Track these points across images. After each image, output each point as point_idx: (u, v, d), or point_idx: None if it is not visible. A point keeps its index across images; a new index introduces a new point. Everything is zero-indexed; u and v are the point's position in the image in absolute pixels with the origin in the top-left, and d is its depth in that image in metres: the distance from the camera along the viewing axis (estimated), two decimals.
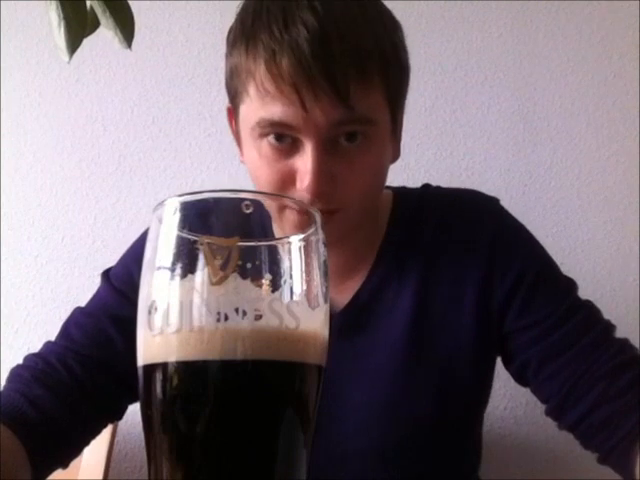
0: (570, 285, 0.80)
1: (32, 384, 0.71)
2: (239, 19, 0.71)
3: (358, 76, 0.65)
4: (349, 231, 0.75)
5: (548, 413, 0.76)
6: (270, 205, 0.63)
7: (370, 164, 0.71)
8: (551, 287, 0.78)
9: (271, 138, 0.68)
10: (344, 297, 0.80)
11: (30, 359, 0.76)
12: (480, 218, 0.82)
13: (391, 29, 0.71)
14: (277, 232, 0.72)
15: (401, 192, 0.86)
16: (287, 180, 0.69)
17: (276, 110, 0.66)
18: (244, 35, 0.68)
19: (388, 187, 0.88)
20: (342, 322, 0.78)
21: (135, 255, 0.83)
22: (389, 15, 0.73)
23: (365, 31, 0.67)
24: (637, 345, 0.75)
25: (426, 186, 0.87)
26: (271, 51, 0.65)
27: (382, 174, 0.75)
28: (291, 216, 0.67)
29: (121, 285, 0.81)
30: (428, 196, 0.85)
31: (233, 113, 0.75)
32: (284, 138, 0.68)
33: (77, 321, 0.80)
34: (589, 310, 0.77)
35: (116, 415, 0.80)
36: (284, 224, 0.69)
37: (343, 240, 0.77)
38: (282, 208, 0.67)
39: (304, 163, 0.67)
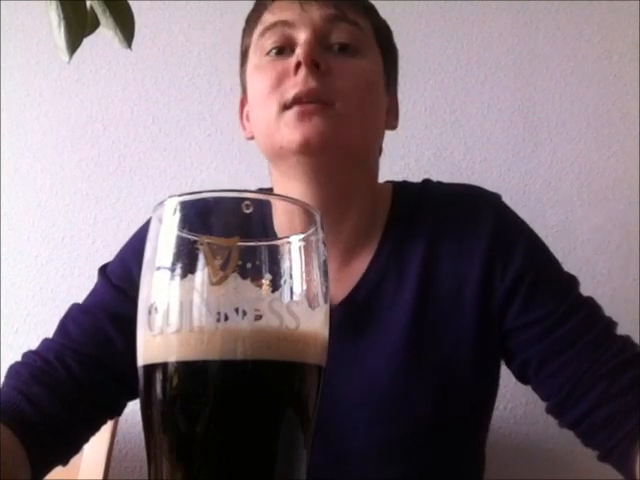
0: (571, 282, 0.80)
1: (30, 382, 0.71)
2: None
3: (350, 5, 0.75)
4: (344, 135, 0.75)
5: (549, 411, 0.76)
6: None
7: (362, 69, 0.76)
8: (552, 284, 0.78)
9: (272, 54, 0.75)
10: (341, 291, 0.79)
11: (28, 356, 0.76)
12: (481, 214, 0.81)
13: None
14: (278, 232, 0.72)
15: (401, 186, 0.86)
16: (282, 76, 0.73)
17: (275, 15, 0.75)
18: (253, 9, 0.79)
19: (389, 181, 0.88)
20: (341, 317, 0.78)
21: (133, 251, 0.82)
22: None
23: None
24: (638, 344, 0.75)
25: (427, 181, 0.87)
26: None
27: (374, 90, 0.78)
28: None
29: (119, 282, 0.80)
30: (429, 191, 0.85)
31: (244, 96, 0.82)
32: (284, 50, 0.75)
33: (75, 318, 0.79)
34: (591, 308, 0.77)
35: (114, 412, 0.80)
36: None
37: (332, 236, 0.77)
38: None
39: (300, 51, 0.72)
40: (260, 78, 0.75)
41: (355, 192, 0.79)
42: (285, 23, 0.74)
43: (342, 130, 0.73)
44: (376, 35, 0.79)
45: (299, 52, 0.72)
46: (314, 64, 0.72)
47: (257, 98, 0.76)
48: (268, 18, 0.76)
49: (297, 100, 0.71)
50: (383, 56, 0.80)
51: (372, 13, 0.80)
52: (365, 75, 0.76)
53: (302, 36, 0.73)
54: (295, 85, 0.71)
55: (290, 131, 0.71)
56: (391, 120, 0.84)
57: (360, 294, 0.79)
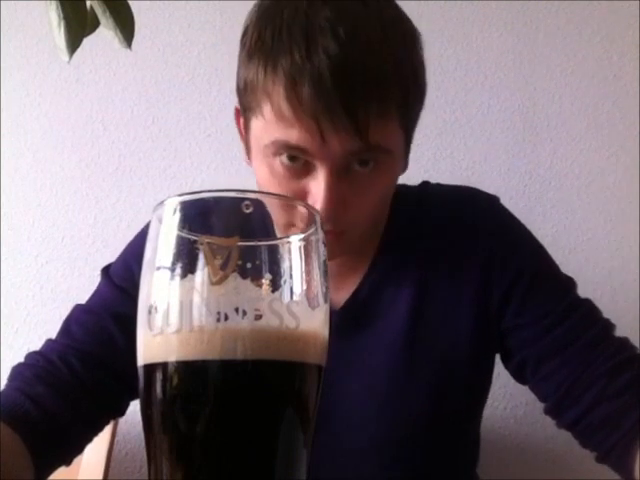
0: (569, 284, 0.80)
1: (33, 382, 0.71)
2: (256, 29, 0.67)
3: (378, 110, 0.64)
4: (352, 248, 0.76)
5: (547, 412, 0.76)
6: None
7: (380, 189, 0.72)
8: (550, 285, 0.78)
9: (284, 158, 0.67)
10: (342, 295, 0.80)
11: (32, 357, 0.76)
12: (479, 216, 0.82)
13: (411, 46, 0.70)
14: (278, 232, 0.72)
15: (400, 190, 0.86)
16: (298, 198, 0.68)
17: (293, 135, 0.65)
18: (263, 53, 0.66)
19: None
20: (340, 320, 0.78)
21: (135, 251, 0.83)
22: (410, 29, 0.71)
23: (387, 57, 0.65)
24: (637, 344, 0.75)
25: (425, 183, 0.87)
26: (291, 78, 0.63)
27: (390, 195, 0.76)
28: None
29: (121, 282, 0.81)
30: (427, 194, 0.85)
31: (242, 118, 0.74)
32: (297, 159, 0.67)
33: (78, 318, 0.80)
34: (588, 309, 0.77)
35: (118, 412, 0.80)
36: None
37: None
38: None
39: (317, 187, 0.66)
40: (271, 182, 0.70)
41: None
42: (300, 149, 0.66)
43: (350, 246, 0.74)
44: (403, 116, 0.69)
45: (316, 201, 0.66)
46: (334, 210, 0.66)
47: (267, 190, 0.71)
48: (282, 134, 0.66)
49: None
50: (406, 130, 0.71)
51: (405, 92, 0.68)
52: (382, 194, 0.73)
53: (320, 178, 0.66)
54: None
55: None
56: (403, 170, 0.80)
57: (360, 296, 0.80)
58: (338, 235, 0.70)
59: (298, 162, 0.67)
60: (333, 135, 0.64)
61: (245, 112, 0.72)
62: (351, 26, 0.64)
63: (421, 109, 0.74)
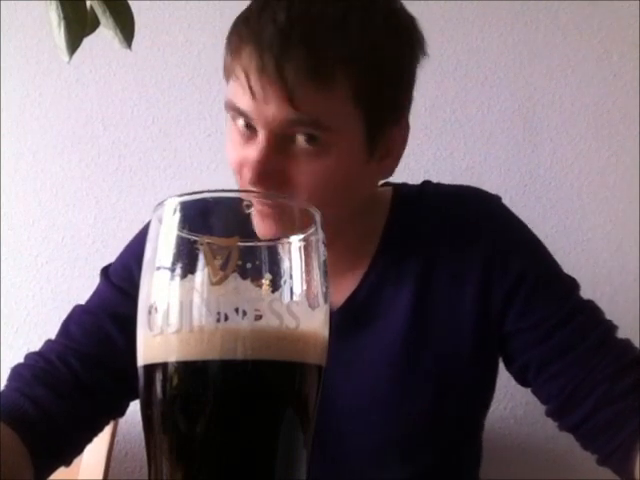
0: (572, 285, 0.79)
1: (33, 383, 0.71)
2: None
3: (314, 80, 0.64)
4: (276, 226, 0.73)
5: (549, 414, 0.76)
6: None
7: (324, 170, 0.68)
8: (552, 288, 0.78)
9: (239, 123, 0.69)
10: (341, 295, 0.80)
11: (31, 357, 0.76)
12: (481, 216, 0.81)
13: (382, 28, 0.68)
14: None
15: (401, 189, 0.86)
16: (245, 162, 0.69)
17: (235, 94, 0.68)
18: (235, 22, 0.70)
19: (388, 183, 0.88)
20: (340, 321, 0.78)
21: (134, 251, 0.82)
22: (396, 17, 0.70)
23: (339, 34, 0.65)
24: (638, 345, 0.75)
25: (426, 183, 0.87)
26: (238, 37, 0.67)
27: (341, 184, 0.70)
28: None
29: (120, 282, 0.81)
30: (428, 193, 0.84)
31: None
32: (249, 127, 0.68)
33: (77, 319, 0.80)
34: (591, 311, 0.77)
35: (117, 412, 0.80)
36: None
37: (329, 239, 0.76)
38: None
39: (253, 151, 0.67)
40: (229, 145, 0.72)
41: (342, 223, 0.76)
42: (240, 111, 0.67)
43: (290, 227, 0.70)
44: (357, 97, 0.67)
45: (249, 167, 0.66)
46: (264, 179, 0.66)
47: (228, 153, 0.72)
48: (231, 94, 0.68)
49: None
50: (366, 114, 0.68)
51: (357, 72, 0.66)
52: (327, 177, 0.68)
53: (258, 142, 0.66)
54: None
55: (254, 223, 0.62)
56: (382, 173, 0.77)
57: (360, 296, 0.79)
58: (282, 211, 0.67)
59: (249, 129, 0.68)
60: (263, 96, 0.65)
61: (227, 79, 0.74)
62: (307, 2, 0.66)
63: (399, 99, 0.73)
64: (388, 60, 0.69)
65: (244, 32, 0.67)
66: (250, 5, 0.70)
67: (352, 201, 0.75)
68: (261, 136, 0.66)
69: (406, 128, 0.76)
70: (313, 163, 0.67)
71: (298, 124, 0.66)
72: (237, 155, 0.70)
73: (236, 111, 0.68)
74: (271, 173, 0.66)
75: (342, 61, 0.65)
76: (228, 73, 0.70)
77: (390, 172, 0.77)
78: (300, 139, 0.66)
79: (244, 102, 0.66)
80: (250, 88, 0.65)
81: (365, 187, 0.76)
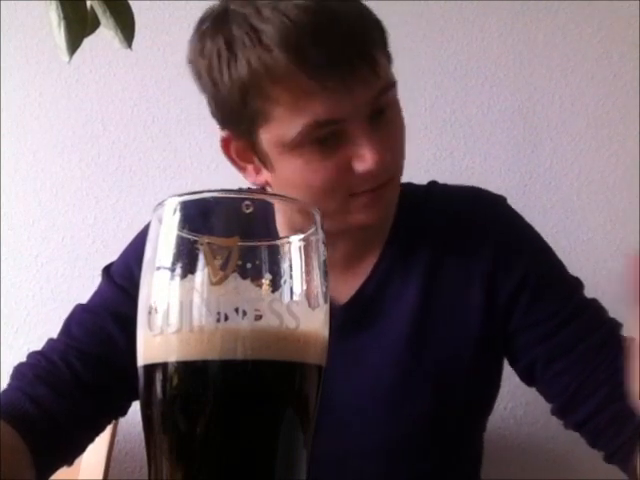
0: (576, 284, 0.80)
1: (34, 382, 0.71)
2: (227, 33, 0.68)
3: (381, 48, 0.70)
4: (392, 207, 0.79)
5: (554, 412, 0.76)
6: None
7: (400, 126, 0.75)
8: (557, 287, 0.78)
9: (314, 144, 0.68)
10: (346, 291, 0.80)
11: (33, 357, 0.76)
12: (486, 216, 0.82)
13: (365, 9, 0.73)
14: (281, 232, 0.72)
15: (407, 188, 0.86)
16: (344, 171, 0.69)
17: (316, 109, 0.66)
18: (245, 43, 0.66)
19: None
20: (345, 317, 0.78)
21: (135, 251, 0.83)
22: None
23: (355, 9, 0.70)
24: None
25: (433, 183, 0.87)
26: (297, 46, 0.64)
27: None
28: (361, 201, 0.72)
29: (122, 281, 0.81)
30: (435, 193, 0.85)
31: (237, 142, 0.74)
32: (327, 140, 0.68)
33: (78, 318, 0.80)
34: (596, 309, 0.77)
35: (119, 412, 0.80)
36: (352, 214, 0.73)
37: (335, 240, 0.77)
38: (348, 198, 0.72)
39: (359, 145, 0.68)
40: (309, 171, 0.70)
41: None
42: (330, 122, 0.67)
43: (394, 194, 0.77)
44: (385, 55, 0.73)
45: (366, 159, 0.68)
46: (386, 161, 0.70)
47: (307, 183, 0.71)
48: (318, 110, 0.66)
49: (369, 189, 0.71)
50: (389, 61, 0.75)
51: (381, 32, 0.73)
52: (403, 131, 0.76)
53: (359, 136, 0.68)
54: (366, 181, 0.70)
55: (365, 215, 0.73)
56: None
57: (366, 294, 0.79)
58: (387, 185, 0.72)
59: (329, 140, 0.68)
60: (356, 85, 0.66)
61: (242, 131, 0.71)
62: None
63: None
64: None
65: (298, 40, 0.64)
66: (242, 29, 0.66)
67: None
68: (359, 129, 0.68)
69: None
70: (394, 126, 0.74)
71: (382, 94, 0.70)
72: (327, 171, 0.69)
73: (323, 127, 0.67)
74: (385, 154, 0.69)
75: (375, 29, 0.71)
76: (286, 100, 0.67)
77: None
78: (375, 116, 0.70)
79: (334, 107, 0.66)
80: (344, 83, 0.66)
81: None
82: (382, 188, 0.72)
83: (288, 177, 0.71)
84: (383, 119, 0.71)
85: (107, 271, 0.84)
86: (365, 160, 0.68)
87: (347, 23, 0.66)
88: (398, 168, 0.75)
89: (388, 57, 0.73)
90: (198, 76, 0.72)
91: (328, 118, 0.66)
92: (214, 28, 0.69)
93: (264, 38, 0.64)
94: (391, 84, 0.72)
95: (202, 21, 0.72)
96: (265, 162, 0.73)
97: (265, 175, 0.75)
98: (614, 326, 0.76)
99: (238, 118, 0.71)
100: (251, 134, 0.71)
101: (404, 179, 0.90)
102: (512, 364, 0.81)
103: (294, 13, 0.64)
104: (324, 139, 0.68)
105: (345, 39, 0.65)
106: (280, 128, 0.68)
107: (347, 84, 0.66)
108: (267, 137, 0.70)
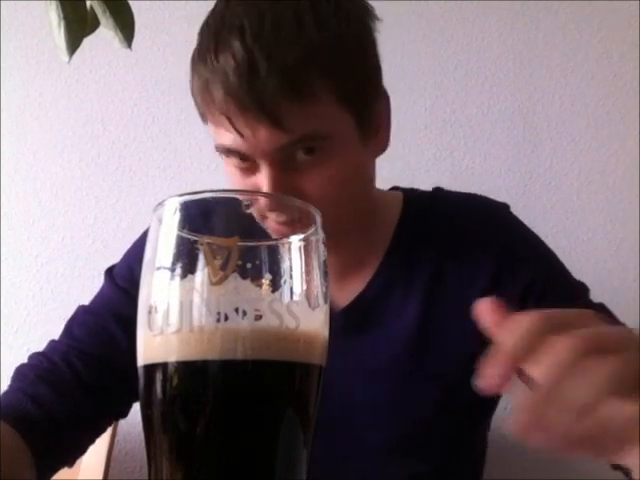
0: (581, 290, 0.79)
1: (36, 383, 0.71)
2: (196, 41, 0.70)
3: (294, 95, 0.63)
4: (333, 236, 0.74)
5: None
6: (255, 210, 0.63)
7: (332, 175, 0.69)
8: (561, 292, 0.77)
9: (234, 158, 0.68)
10: (345, 295, 0.79)
11: (35, 358, 0.76)
12: (490, 224, 0.81)
13: (337, 25, 0.66)
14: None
15: (411, 194, 0.85)
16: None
17: (224, 137, 0.67)
18: (192, 61, 0.69)
19: (397, 188, 0.88)
20: (344, 321, 0.78)
21: (137, 252, 0.82)
22: (339, 4, 0.68)
23: (298, 41, 0.63)
24: None
25: (437, 190, 0.86)
26: (205, 81, 0.65)
27: (351, 181, 0.71)
28: (272, 223, 0.66)
29: (124, 283, 0.81)
30: (439, 200, 0.84)
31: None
32: (246, 159, 0.68)
33: (80, 319, 0.80)
34: (603, 315, 0.77)
35: (121, 413, 0.80)
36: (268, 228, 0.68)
37: (337, 242, 0.76)
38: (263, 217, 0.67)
39: (263, 182, 0.67)
40: (231, 180, 0.70)
41: (355, 220, 0.77)
42: (235, 151, 0.67)
43: (328, 232, 0.71)
44: (338, 93, 0.66)
45: (262, 200, 0.64)
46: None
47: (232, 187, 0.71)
48: (218, 137, 0.67)
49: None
50: (351, 106, 0.68)
51: (331, 74, 0.65)
52: (336, 180, 0.69)
53: (263, 173, 0.66)
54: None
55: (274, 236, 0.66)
56: (382, 147, 0.77)
57: (367, 299, 0.79)
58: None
59: (247, 162, 0.68)
60: (252, 132, 0.64)
61: (202, 119, 0.74)
62: (257, 16, 0.63)
63: (373, 82, 0.72)
64: (354, 49, 0.68)
65: (208, 76, 0.64)
66: (201, 42, 0.67)
67: (365, 191, 0.76)
68: (263, 166, 0.67)
69: (386, 95, 0.75)
70: (320, 171, 0.68)
71: (295, 144, 0.65)
72: (243, 188, 0.69)
73: (230, 152, 0.68)
74: (285, 194, 0.67)
75: (314, 70, 0.64)
76: (205, 117, 0.70)
77: (386, 143, 0.77)
78: (300, 154, 0.66)
79: (235, 142, 0.66)
80: (237, 130, 0.64)
81: (370, 170, 0.77)
82: (284, 231, 0.64)
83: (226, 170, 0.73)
84: (308, 162, 0.67)
85: (109, 273, 0.84)
86: (260, 200, 0.65)
87: (264, 66, 0.62)
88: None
89: (334, 95, 0.66)
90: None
91: (231, 148, 0.67)
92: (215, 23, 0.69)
93: (209, 60, 0.65)
94: (318, 136, 0.66)
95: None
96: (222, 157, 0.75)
97: None
98: None
99: (199, 112, 0.73)
100: (209, 130, 0.73)
101: (405, 181, 0.90)
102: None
103: (237, 47, 0.63)
104: (243, 159, 0.68)
105: (252, 88, 0.62)
106: (212, 134, 0.70)
107: (240, 130, 0.64)
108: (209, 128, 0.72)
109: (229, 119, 0.64)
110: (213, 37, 0.65)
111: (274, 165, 0.66)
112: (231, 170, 0.70)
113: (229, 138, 0.66)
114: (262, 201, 0.64)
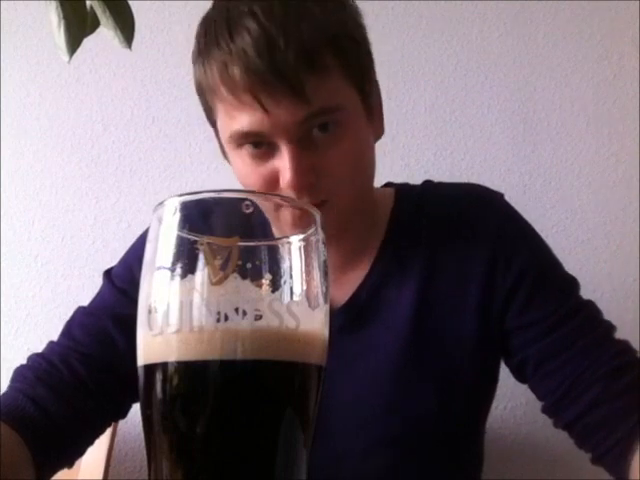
0: (572, 284, 0.80)
1: (35, 384, 0.71)
2: (195, 38, 0.72)
3: (309, 68, 0.65)
4: (345, 221, 0.76)
5: (544, 411, 0.76)
6: (265, 206, 0.64)
7: (348, 150, 0.71)
8: (553, 286, 0.78)
9: (248, 146, 0.69)
10: (343, 293, 0.80)
11: (34, 359, 0.76)
12: (483, 213, 0.81)
13: (336, 8, 0.71)
14: (276, 232, 0.72)
15: (403, 188, 0.86)
16: (271, 181, 0.70)
17: (242, 120, 0.67)
18: (199, 53, 0.70)
19: (390, 184, 0.88)
20: (342, 319, 0.78)
21: (137, 254, 0.83)
22: None
23: (307, 19, 0.67)
24: (637, 345, 0.75)
25: (427, 182, 0.87)
26: (222, 64, 0.66)
27: (364, 156, 0.75)
28: (288, 215, 0.67)
29: (123, 284, 0.81)
30: (430, 192, 0.85)
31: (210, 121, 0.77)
32: (260, 144, 0.69)
33: (79, 321, 0.80)
34: (590, 311, 0.77)
35: (119, 414, 0.80)
36: (282, 224, 0.69)
37: (342, 232, 0.77)
38: (278, 207, 0.67)
39: (283, 163, 0.68)
40: (245, 172, 0.72)
41: (353, 217, 0.78)
42: (255, 134, 0.68)
43: (337, 216, 0.72)
44: (345, 70, 0.70)
45: (285, 177, 0.67)
46: (305, 186, 0.68)
47: (244, 182, 0.73)
48: (236, 124, 0.68)
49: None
50: (356, 84, 0.71)
51: (338, 48, 0.69)
52: (352, 155, 0.72)
53: (283, 153, 0.67)
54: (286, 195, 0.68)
55: (290, 230, 0.66)
56: (377, 134, 0.79)
57: (363, 295, 0.79)
58: (319, 207, 0.69)
59: (262, 147, 0.69)
60: (275, 106, 0.65)
61: (209, 117, 0.75)
62: (267, 2, 0.66)
63: (370, 64, 0.75)
64: (354, 27, 0.73)
65: (226, 58, 0.66)
66: (207, 33, 0.69)
67: (372, 175, 0.78)
68: (283, 145, 0.68)
69: (376, 82, 0.79)
70: (336, 146, 0.70)
71: (313, 117, 0.67)
72: (259, 176, 0.70)
73: (246, 138, 0.69)
74: (305, 172, 0.68)
75: (325, 45, 0.67)
76: (214, 111, 0.71)
77: (382, 130, 0.80)
78: (316, 132, 0.68)
79: (254, 123, 0.67)
80: (262, 105, 0.65)
81: (374, 155, 0.78)
82: (319, 206, 0.66)
83: (236, 172, 0.75)
84: (324, 139, 0.69)
85: (108, 274, 0.84)
86: (284, 178, 0.68)
87: (281, 42, 0.64)
88: (333, 193, 0.70)
89: (343, 72, 0.69)
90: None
91: (250, 130, 0.68)
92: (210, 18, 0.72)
93: (224, 44, 0.67)
94: (332, 108, 0.68)
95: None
96: (225, 153, 0.77)
97: None
98: (608, 328, 0.76)
99: (204, 108, 0.75)
100: (214, 124, 0.75)
101: (404, 179, 0.90)
102: (505, 360, 0.81)
103: (248, 29, 0.65)
104: (257, 145, 0.69)
105: (273, 62, 0.64)
106: (222, 126, 0.72)
107: (264, 104, 0.65)
108: (219, 129, 0.74)
109: (254, 96, 0.65)
110: (224, 23, 0.67)
111: (294, 142, 0.67)
112: (244, 161, 0.71)
113: (247, 121, 0.67)
114: (287, 175, 0.66)
